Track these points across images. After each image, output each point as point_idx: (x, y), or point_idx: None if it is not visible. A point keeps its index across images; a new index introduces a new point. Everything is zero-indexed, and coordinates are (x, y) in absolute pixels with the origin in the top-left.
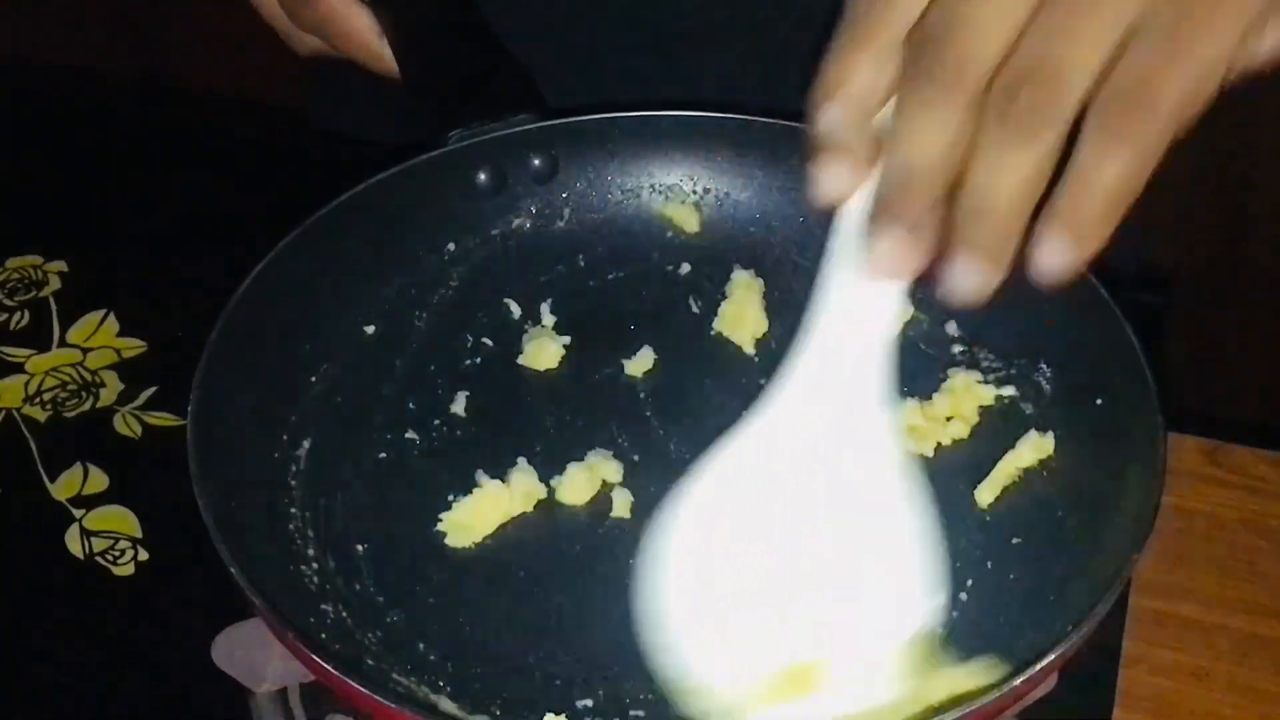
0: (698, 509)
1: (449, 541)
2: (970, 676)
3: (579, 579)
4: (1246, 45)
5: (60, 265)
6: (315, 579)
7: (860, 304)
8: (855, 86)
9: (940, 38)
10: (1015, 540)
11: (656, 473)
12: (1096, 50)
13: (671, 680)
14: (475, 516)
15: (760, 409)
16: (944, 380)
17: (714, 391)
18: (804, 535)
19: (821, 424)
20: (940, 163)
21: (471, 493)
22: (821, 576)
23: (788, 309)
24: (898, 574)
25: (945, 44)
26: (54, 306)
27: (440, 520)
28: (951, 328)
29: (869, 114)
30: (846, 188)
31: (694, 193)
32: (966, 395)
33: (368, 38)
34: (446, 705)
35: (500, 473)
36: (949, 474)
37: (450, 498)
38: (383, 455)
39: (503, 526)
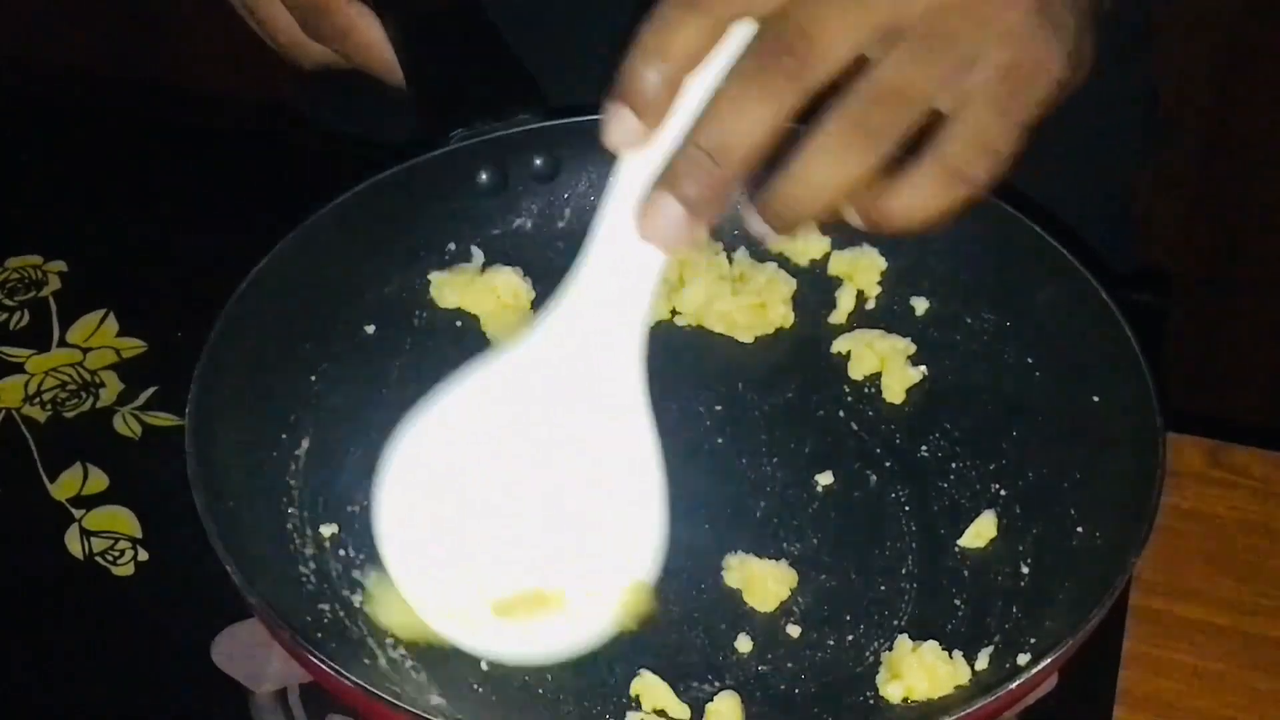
0: (443, 430)
1: None
2: (970, 676)
3: None
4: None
5: (60, 265)
6: (313, 579)
7: (626, 258)
8: (678, 48)
9: (805, 30)
10: (1015, 542)
11: None
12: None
13: (410, 596)
14: None
15: (521, 342)
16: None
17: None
18: (545, 471)
19: (571, 369)
20: (757, 147)
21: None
22: (557, 513)
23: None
24: (625, 521)
25: (809, 38)
26: (54, 306)
27: None
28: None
29: (680, 77)
30: (636, 140)
31: None
32: None
33: (383, 49)
34: (440, 704)
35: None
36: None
37: None
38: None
39: None
